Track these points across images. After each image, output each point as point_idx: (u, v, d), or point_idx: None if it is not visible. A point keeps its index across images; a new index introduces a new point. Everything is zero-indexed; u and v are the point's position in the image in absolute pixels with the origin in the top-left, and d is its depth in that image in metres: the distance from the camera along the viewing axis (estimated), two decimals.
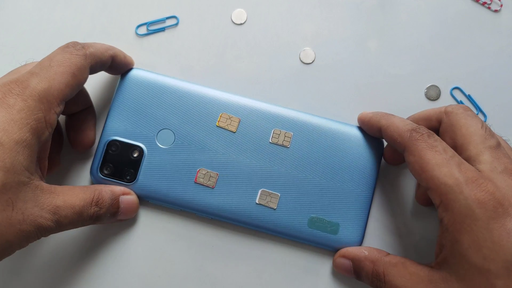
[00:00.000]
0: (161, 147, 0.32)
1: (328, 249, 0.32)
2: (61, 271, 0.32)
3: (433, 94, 0.35)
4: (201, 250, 0.32)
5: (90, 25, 0.36)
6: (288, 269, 0.32)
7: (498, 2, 0.37)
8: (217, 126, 0.32)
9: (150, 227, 0.32)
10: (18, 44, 0.36)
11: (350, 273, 0.30)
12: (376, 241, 0.33)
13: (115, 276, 0.32)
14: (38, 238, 0.24)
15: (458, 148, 0.27)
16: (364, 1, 0.37)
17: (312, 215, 0.31)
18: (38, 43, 0.36)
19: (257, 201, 0.31)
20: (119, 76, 0.33)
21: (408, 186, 0.34)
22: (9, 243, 0.22)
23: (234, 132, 0.32)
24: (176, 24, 0.36)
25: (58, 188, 0.26)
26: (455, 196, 0.24)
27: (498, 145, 0.26)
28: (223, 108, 0.32)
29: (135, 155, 0.32)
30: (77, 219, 0.26)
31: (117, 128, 0.32)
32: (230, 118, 0.32)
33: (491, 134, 0.27)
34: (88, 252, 0.32)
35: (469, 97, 0.35)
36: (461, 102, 0.35)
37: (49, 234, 0.25)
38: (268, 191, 0.31)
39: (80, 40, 0.35)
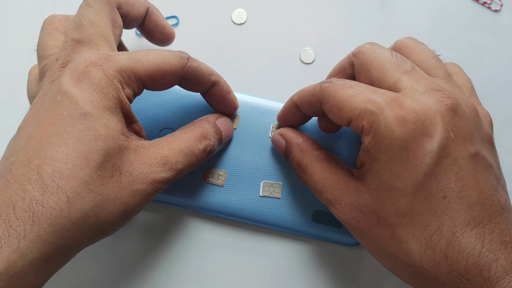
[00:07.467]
0: None
1: (333, 242, 0.31)
2: (61, 271, 0.32)
3: None
4: (201, 250, 0.32)
5: None
6: (288, 269, 0.32)
7: (498, 2, 0.37)
8: None
9: (150, 227, 0.32)
10: (18, 44, 0.36)
11: (282, 152, 0.30)
12: None
13: (115, 276, 0.31)
14: (157, 192, 0.25)
15: (375, 83, 0.26)
16: (364, 1, 0.37)
17: (316, 208, 0.31)
18: None
19: (261, 194, 0.31)
20: None
21: None
22: (127, 205, 0.23)
23: (235, 129, 0.32)
24: (176, 24, 0.36)
25: (160, 140, 0.26)
26: (376, 117, 0.23)
27: (413, 68, 0.25)
28: None
29: None
30: (190, 159, 0.26)
31: None
32: None
33: (403, 59, 0.26)
34: (88, 252, 0.32)
35: None
36: None
37: (168, 184, 0.25)
38: (270, 182, 0.31)
39: None
